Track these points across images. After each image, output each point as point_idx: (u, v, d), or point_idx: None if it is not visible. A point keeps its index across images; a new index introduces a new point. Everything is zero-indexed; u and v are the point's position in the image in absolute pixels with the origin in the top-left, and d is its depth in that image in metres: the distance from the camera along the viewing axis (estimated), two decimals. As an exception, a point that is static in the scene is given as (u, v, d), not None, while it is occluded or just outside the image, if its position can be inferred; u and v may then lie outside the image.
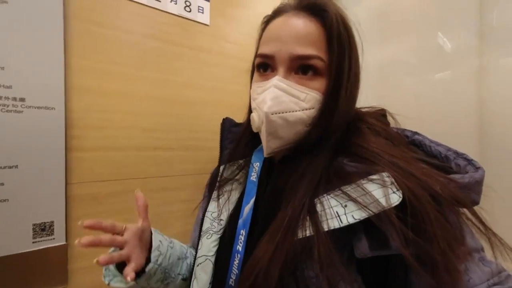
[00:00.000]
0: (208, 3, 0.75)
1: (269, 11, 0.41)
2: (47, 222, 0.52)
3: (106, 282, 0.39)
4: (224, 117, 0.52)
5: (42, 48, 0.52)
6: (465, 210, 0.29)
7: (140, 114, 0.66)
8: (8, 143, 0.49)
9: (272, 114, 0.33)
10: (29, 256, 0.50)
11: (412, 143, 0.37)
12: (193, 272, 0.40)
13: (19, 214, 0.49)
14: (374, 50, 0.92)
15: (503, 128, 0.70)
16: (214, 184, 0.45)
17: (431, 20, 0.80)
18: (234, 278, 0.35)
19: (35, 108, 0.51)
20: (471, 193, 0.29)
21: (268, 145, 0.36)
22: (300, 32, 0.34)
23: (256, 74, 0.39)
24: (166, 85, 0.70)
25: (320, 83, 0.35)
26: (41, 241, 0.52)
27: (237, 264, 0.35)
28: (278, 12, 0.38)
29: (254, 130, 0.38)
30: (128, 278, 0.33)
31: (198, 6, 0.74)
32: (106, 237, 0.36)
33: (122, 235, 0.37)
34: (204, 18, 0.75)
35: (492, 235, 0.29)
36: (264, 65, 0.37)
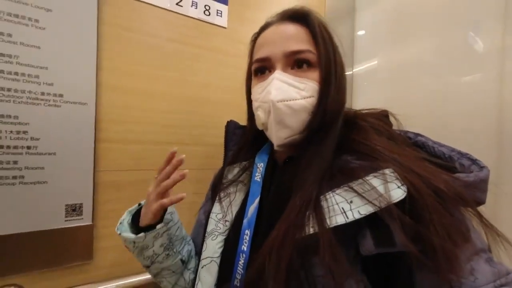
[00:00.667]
0: (226, 7, 0.79)
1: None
2: (77, 204, 0.59)
3: (118, 232, 0.45)
4: (229, 120, 0.54)
5: (78, 50, 0.59)
6: (469, 209, 0.29)
7: (159, 111, 0.71)
8: (49, 133, 0.56)
9: (278, 102, 0.36)
10: (61, 232, 0.57)
11: (415, 144, 0.37)
12: (197, 274, 0.40)
13: (55, 195, 0.57)
14: (394, 50, 0.90)
15: None
16: (218, 186, 0.46)
17: (457, 19, 0.77)
18: (239, 278, 0.35)
19: (71, 103, 0.58)
20: (476, 192, 0.29)
21: (277, 135, 0.38)
22: (289, 33, 0.39)
23: (254, 80, 0.43)
24: (184, 85, 0.75)
25: (314, 73, 0.38)
26: (72, 219, 0.59)
27: (242, 264, 0.35)
28: (264, 27, 0.43)
29: (260, 127, 0.41)
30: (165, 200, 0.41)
31: (217, 10, 0.78)
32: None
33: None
34: (222, 21, 0.79)
35: (495, 232, 0.29)
36: (261, 69, 0.41)
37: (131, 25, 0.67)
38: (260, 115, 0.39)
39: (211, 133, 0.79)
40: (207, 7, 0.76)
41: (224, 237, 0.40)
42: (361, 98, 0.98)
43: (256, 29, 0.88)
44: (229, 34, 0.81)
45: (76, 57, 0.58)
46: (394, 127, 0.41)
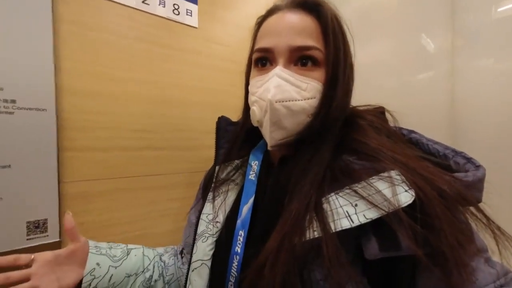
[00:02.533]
0: (196, 6, 0.78)
1: (256, 13, 0.42)
2: (41, 220, 0.54)
3: None
4: (220, 116, 0.50)
5: (32, 50, 0.53)
6: (470, 208, 0.29)
7: (128, 114, 0.68)
8: (1, 144, 0.50)
9: (276, 102, 0.33)
10: (23, 253, 0.52)
11: (409, 141, 0.36)
12: (188, 278, 0.39)
13: (13, 212, 0.51)
14: (358, 50, 0.97)
15: (473, 124, 0.77)
16: (209, 185, 0.44)
17: (412, 22, 0.85)
18: (233, 281, 0.33)
19: (26, 109, 0.52)
20: (475, 191, 0.29)
21: (271, 136, 0.35)
22: (297, 25, 0.35)
23: (254, 70, 0.39)
24: (154, 87, 0.72)
25: (319, 73, 0.35)
26: (35, 238, 0.53)
27: (236, 267, 0.33)
28: (272, 11, 0.39)
29: (254, 123, 0.38)
30: None
31: (187, 9, 0.76)
32: (15, 273, 0.36)
33: (30, 266, 0.38)
34: (193, 20, 0.77)
35: (498, 230, 0.28)
36: (262, 60, 0.37)
37: (93, 24, 0.62)
38: (255, 111, 0.36)
39: (185, 136, 0.78)
40: (176, 6, 0.74)
41: (215, 239, 0.39)
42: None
43: (228, 29, 0.88)
44: (201, 34, 0.79)
45: (30, 58, 0.52)
46: (390, 123, 0.40)
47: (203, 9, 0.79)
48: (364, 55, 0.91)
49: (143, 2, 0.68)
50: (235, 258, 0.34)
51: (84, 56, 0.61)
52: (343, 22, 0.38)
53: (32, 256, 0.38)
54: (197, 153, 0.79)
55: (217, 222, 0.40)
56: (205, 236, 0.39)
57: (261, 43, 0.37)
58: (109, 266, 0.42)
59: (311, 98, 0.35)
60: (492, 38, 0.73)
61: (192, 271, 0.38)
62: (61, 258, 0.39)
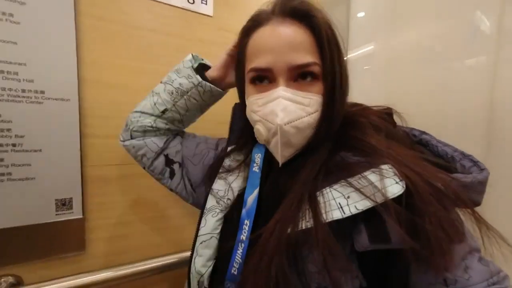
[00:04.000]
0: (211, -6, 0.76)
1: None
2: (67, 198, 0.61)
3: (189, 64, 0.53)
4: (236, 102, 0.51)
5: (57, 44, 0.58)
6: (465, 209, 0.30)
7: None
8: (33, 130, 0.56)
9: (285, 124, 0.34)
10: (53, 226, 0.59)
11: (419, 143, 0.37)
12: (195, 250, 0.40)
13: (44, 191, 0.58)
14: (392, 37, 0.86)
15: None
16: (220, 164, 0.45)
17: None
18: (237, 267, 0.35)
19: (53, 99, 0.58)
20: (472, 193, 0.29)
21: (282, 155, 0.37)
22: (293, 41, 0.34)
23: (250, 87, 0.39)
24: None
25: (318, 86, 0.36)
26: (62, 213, 0.61)
27: (240, 254, 0.35)
28: (260, 22, 0.37)
29: (261, 142, 0.39)
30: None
31: (202, -3, 0.75)
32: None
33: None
34: (208, 9, 0.76)
35: (491, 231, 0.29)
36: (259, 78, 0.37)
37: (111, 16, 0.65)
38: (261, 131, 0.37)
39: (201, 126, 0.79)
40: (191, -5, 0.73)
41: (224, 214, 0.40)
42: (356, 84, 0.95)
43: (245, 17, 0.85)
44: (216, 23, 0.78)
45: (55, 52, 0.57)
46: (399, 124, 0.40)
47: (219, -4, 0.77)
48: (404, 40, 0.81)
49: (158, -8, 0.69)
50: (240, 245, 0.36)
51: (104, 48, 0.64)
52: (336, 32, 0.37)
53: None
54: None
55: (228, 199, 0.41)
56: (215, 211, 0.41)
57: (257, 62, 0.36)
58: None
59: (314, 112, 0.36)
60: None
61: (200, 243, 0.39)
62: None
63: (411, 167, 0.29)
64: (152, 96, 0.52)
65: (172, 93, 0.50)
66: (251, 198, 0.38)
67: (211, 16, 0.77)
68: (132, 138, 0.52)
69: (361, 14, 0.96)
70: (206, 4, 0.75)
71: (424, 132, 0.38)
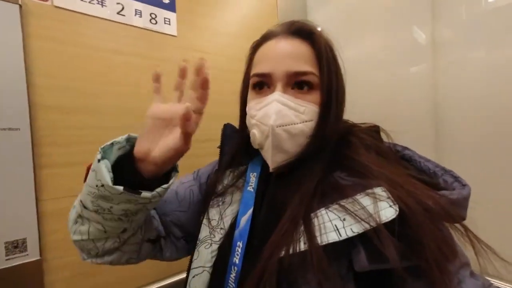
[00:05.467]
0: (174, 14, 0.77)
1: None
2: (20, 239, 0.54)
3: (92, 169, 0.33)
4: (226, 123, 0.49)
5: (2, 68, 0.52)
6: (455, 224, 0.31)
7: (111, 128, 0.67)
8: (-26, 166, 0.50)
9: (277, 127, 0.35)
10: (3, 273, 0.52)
11: (402, 158, 0.38)
12: (188, 284, 0.39)
13: (-10, 234, 0.51)
14: (347, 48, 0.95)
15: (458, 119, 0.75)
16: (213, 191, 0.44)
17: (401, 14, 0.83)
18: None
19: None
20: (458, 208, 0.30)
21: (273, 160, 0.37)
22: (293, 52, 0.37)
23: (251, 93, 0.41)
24: (136, 98, 0.71)
25: (315, 96, 0.37)
26: (14, 257, 0.53)
27: (233, 278, 0.34)
28: (267, 37, 0.40)
29: (255, 146, 0.39)
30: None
31: (164, 18, 0.75)
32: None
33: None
34: (171, 29, 0.76)
35: (483, 246, 0.30)
36: (260, 84, 0.39)
37: (66, 38, 0.61)
38: (256, 135, 0.37)
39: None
40: (153, 15, 0.73)
41: (218, 245, 0.38)
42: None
43: (208, 36, 0.87)
44: (181, 43, 0.78)
45: (1, 77, 0.52)
46: (385, 140, 0.42)
47: (182, 17, 0.78)
48: (354, 51, 0.90)
49: (118, 13, 0.67)
50: (233, 269, 0.35)
51: (59, 71, 0.60)
52: (335, 49, 0.41)
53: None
54: (180, 162, 0.78)
55: (221, 228, 0.40)
56: (208, 243, 0.39)
57: (258, 68, 0.39)
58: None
59: (309, 121, 0.36)
60: (482, 29, 0.71)
61: (193, 277, 0.38)
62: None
63: (404, 187, 0.30)
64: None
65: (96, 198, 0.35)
66: (244, 219, 0.37)
67: (175, 36, 0.77)
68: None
69: (318, 29, 1.04)
70: (169, 24, 0.76)
71: (406, 148, 0.39)
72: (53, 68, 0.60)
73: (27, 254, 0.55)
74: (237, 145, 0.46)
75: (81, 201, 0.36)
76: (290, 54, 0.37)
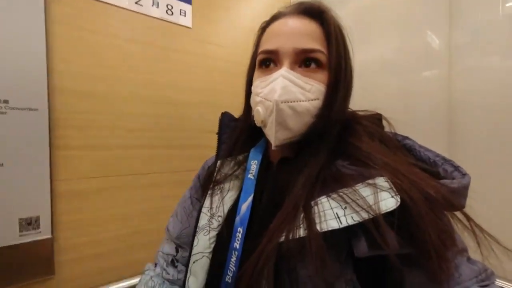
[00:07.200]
0: (190, 6, 0.78)
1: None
2: (33, 217, 0.56)
3: None
4: (223, 111, 0.50)
5: (25, 51, 0.54)
6: (455, 212, 0.31)
7: (125, 114, 0.69)
8: (-6, 143, 0.51)
9: (282, 102, 0.34)
10: (16, 249, 0.53)
11: (403, 147, 0.38)
12: (189, 269, 0.40)
13: (6, 209, 0.53)
14: (360, 51, 0.95)
15: (471, 123, 0.74)
16: (211, 180, 0.44)
17: (416, 19, 0.83)
18: (231, 275, 0.34)
19: (18, 109, 0.54)
20: (458, 197, 0.31)
21: (276, 136, 0.36)
22: (302, 29, 0.37)
23: (257, 71, 0.40)
24: (150, 87, 0.72)
25: (323, 75, 0.36)
26: (27, 234, 0.55)
27: (234, 262, 0.35)
28: (276, 17, 0.40)
29: (258, 124, 0.39)
30: None
31: (180, 9, 0.76)
32: None
33: None
34: (186, 21, 0.78)
35: (480, 232, 0.31)
36: (267, 61, 0.38)
37: (86, 25, 0.63)
38: (260, 111, 0.37)
39: (179, 136, 0.78)
40: (170, 7, 0.74)
41: (216, 232, 0.39)
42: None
43: (222, 29, 0.88)
44: (195, 34, 0.79)
45: (23, 60, 0.54)
46: (386, 129, 0.42)
47: (197, 9, 0.79)
48: (367, 55, 0.90)
49: (136, 3, 0.69)
50: (233, 253, 0.35)
51: (77, 57, 0.62)
52: (344, 30, 0.40)
53: None
54: (192, 152, 0.80)
55: (219, 216, 0.41)
56: (207, 230, 0.40)
57: (266, 45, 0.38)
58: None
59: (315, 100, 0.36)
60: (498, 36, 0.70)
61: (194, 262, 0.39)
62: None
63: (406, 175, 0.30)
64: None
65: None
66: (245, 205, 0.38)
67: (190, 28, 0.78)
68: None
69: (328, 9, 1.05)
70: (185, 16, 0.77)
71: (406, 137, 0.39)
72: (72, 54, 0.61)
73: (40, 232, 0.56)
74: (238, 133, 0.45)
75: None
76: (298, 32, 0.36)
